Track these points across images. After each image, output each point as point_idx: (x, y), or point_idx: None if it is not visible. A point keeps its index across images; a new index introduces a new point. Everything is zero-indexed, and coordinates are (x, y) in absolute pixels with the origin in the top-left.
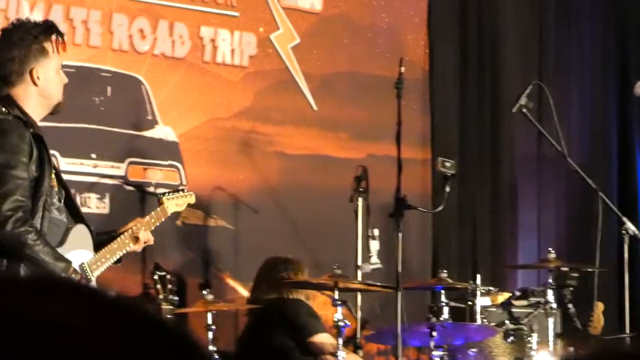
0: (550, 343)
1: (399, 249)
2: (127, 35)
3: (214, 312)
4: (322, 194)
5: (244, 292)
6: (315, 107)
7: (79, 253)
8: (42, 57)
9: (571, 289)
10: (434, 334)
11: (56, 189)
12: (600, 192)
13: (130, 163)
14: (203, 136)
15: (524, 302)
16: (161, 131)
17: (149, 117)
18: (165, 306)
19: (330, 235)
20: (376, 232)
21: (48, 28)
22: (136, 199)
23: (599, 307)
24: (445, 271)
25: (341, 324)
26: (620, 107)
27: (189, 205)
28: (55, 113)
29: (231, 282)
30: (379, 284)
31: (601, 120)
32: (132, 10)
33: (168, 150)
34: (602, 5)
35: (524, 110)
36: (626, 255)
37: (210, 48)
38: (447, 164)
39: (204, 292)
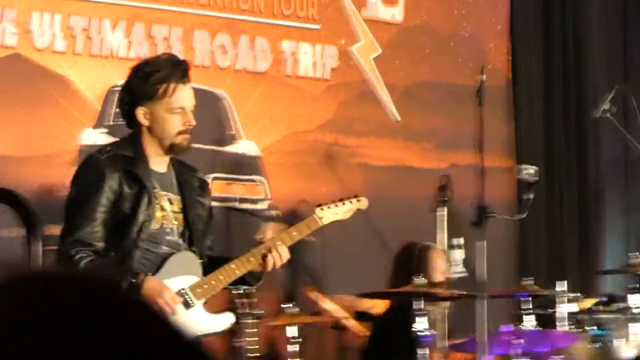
0: (636, 348)
1: (484, 257)
2: (208, 51)
3: (299, 325)
4: (406, 205)
5: (330, 305)
6: (398, 118)
7: (180, 279)
8: (149, 98)
9: None
10: (519, 341)
11: (171, 226)
12: None
13: (214, 178)
14: (286, 149)
15: (610, 308)
16: (244, 145)
17: (232, 132)
18: (249, 320)
19: None
20: (461, 241)
21: (165, 70)
22: (221, 215)
23: None
24: (530, 278)
25: (426, 333)
26: None
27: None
28: (174, 154)
29: (317, 295)
30: (464, 292)
31: None
32: (213, 26)
33: (251, 165)
34: None
35: (608, 115)
36: None
37: (292, 61)
38: (530, 171)
39: (289, 304)
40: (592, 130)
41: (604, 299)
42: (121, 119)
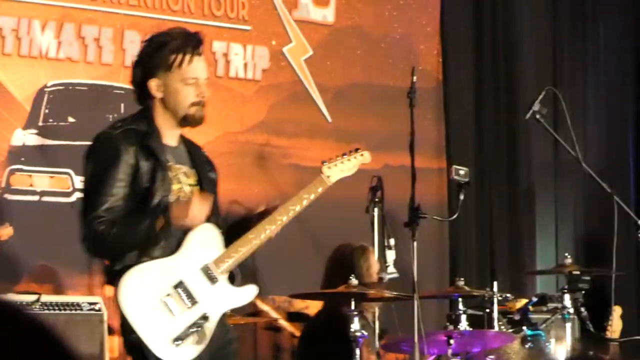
0: (568, 348)
1: (415, 258)
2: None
3: (232, 325)
4: (338, 205)
5: (262, 306)
6: (329, 119)
7: (202, 253)
8: (163, 69)
9: (583, 292)
10: (452, 342)
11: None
12: (616, 195)
13: None
14: (217, 150)
15: (541, 308)
16: None
17: None
18: None
19: None
20: (392, 242)
21: (180, 40)
22: None
23: (617, 310)
24: (462, 279)
25: (358, 334)
26: (637, 111)
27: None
28: (187, 125)
29: None
30: (395, 293)
31: (618, 125)
32: (144, 26)
33: None
34: (618, 11)
35: (538, 116)
36: None
37: (223, 62)
38: (461, 172)
39: None
40: (523, 132)
41: (536, 299)
42: (52, 120)
